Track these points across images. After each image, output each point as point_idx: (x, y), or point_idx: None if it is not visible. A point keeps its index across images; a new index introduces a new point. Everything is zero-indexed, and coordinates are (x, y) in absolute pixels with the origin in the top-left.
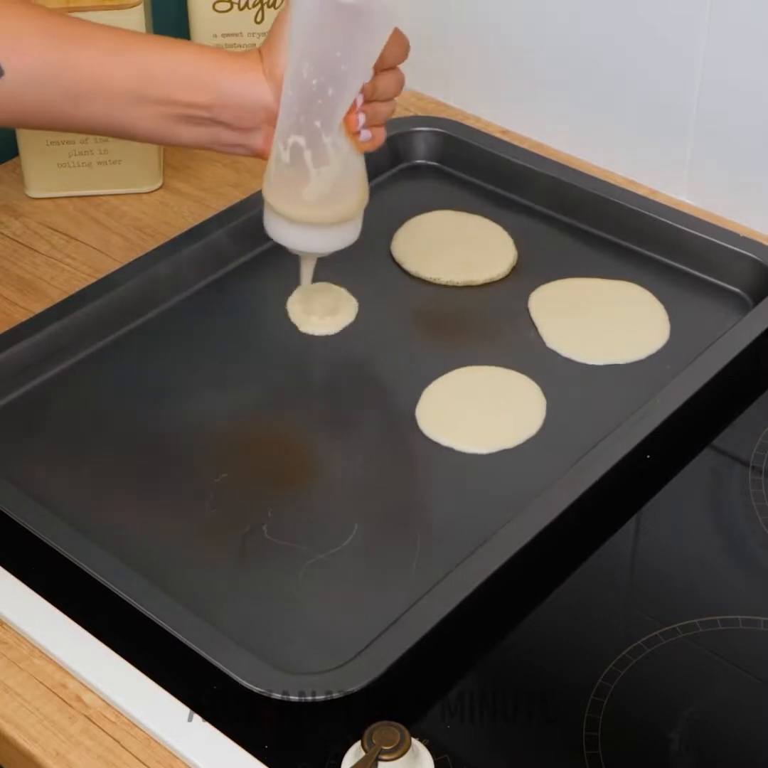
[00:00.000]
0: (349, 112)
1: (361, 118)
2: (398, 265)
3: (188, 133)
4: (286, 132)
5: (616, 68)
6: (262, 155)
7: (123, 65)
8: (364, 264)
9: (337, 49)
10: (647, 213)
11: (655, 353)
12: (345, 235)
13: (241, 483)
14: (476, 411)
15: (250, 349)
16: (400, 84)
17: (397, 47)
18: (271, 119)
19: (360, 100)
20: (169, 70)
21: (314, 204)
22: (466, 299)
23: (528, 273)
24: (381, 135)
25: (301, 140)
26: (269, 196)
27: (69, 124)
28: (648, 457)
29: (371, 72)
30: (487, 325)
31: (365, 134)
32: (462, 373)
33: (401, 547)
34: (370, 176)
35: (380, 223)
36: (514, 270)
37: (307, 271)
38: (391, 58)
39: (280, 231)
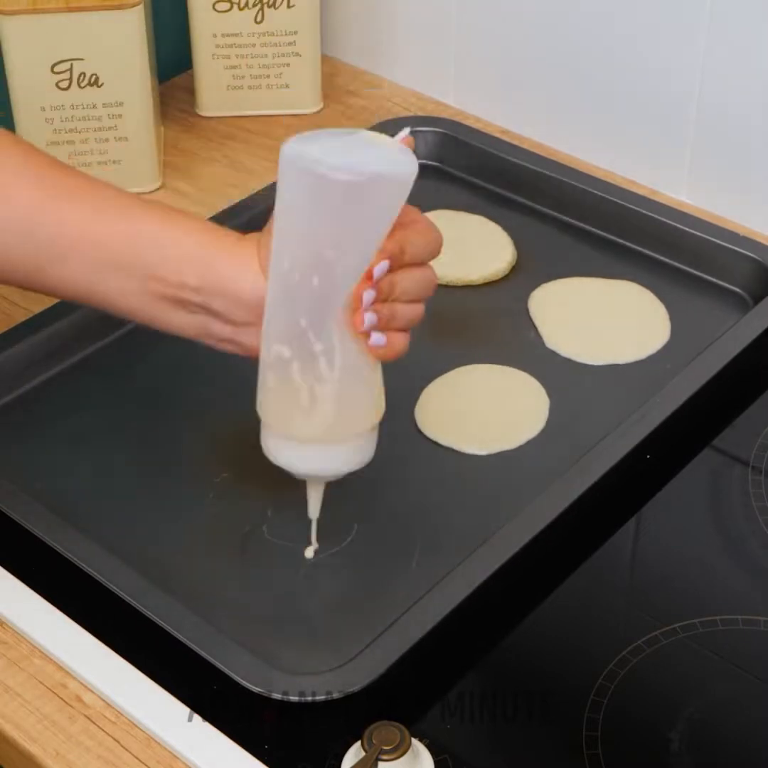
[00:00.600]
0: (354, 310)
1: (369, 318)
2: None
3: (176, 318)
4: (270, 338)
5: (616, 68)
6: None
7: (107, 227)
8: None
9: (322, 231)
10: (647, 213)
11: (655, 353)
12: (353, 455)
13: (241, 483)
14: (477, 411)
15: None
16: (428, 284)
17: (423, 239)
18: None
19: (369, 297)
20: (158, 242)
21: (311, 419)
22: (465, 299)
23: (528, 273)
24: (400, 341)
25: (285, 349)
26: (260, 408)
27: (44, 284)
28: (648, 457)
29: (372, 259)
30: (487, 325)
31: (377, 338)
32: (461, 372)
33: (401, 547)
34: None
35: None
36: (514, 270)
37: (315, 497)
38: (416, 253)
39: (276, 450)
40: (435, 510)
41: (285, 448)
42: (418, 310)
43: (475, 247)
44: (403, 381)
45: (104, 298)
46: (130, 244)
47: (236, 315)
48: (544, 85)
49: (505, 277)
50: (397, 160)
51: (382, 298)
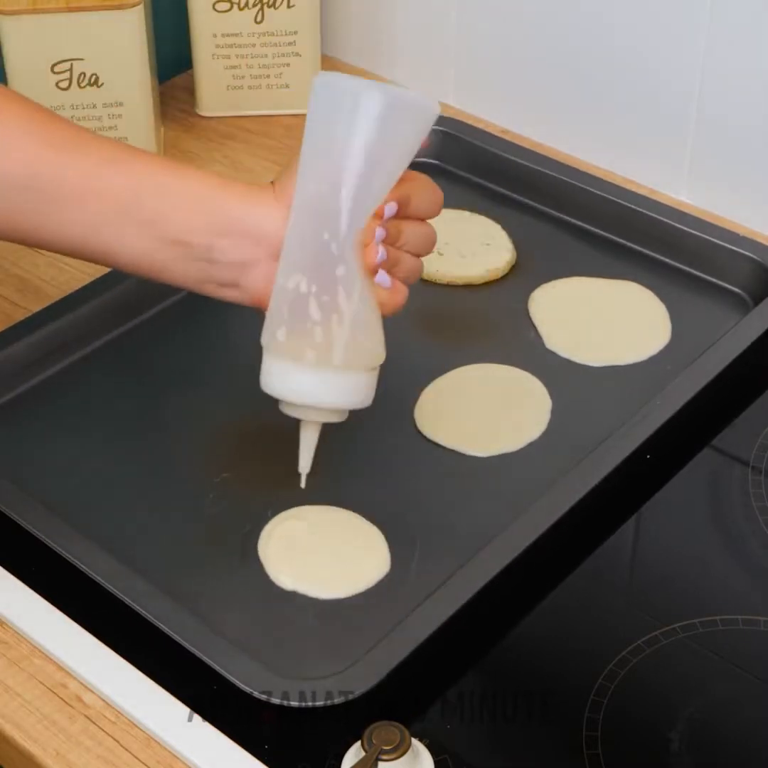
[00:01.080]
0: (366, 244)
1: (381, 252)
2: None
3: (177, 265)
4: (290, 268)
5: (616, 68)
6: (260, 302)
7: (114, 176)
8: None
9: (354, 145)
10: (647, 213)
11: (656, 354)
12: (354, 391)
13: (241, 483)
14: (478, 412)
15: (250, 349)
16: (429, 240)
17: (427, 193)
18: (274, 254)
19: (380, 233)
20: (167, 189)
21: (324, 347)
22: (465, 299)
23: (528, 273)
24: (402, 291)
25: (304, 280)
26: (267, 337)
27: (40, 236)
28: (648, 457)
29: (394, 183)
30: (487, 326)
31: (383, 278)
32: (462, 372)
33: (401, 550)
34: None
35: None
36: (514, 270)
37: (307, 445)
38: (420, 205)
39: (280, 377)
40: (435, 512)
41: (290, 374)
42: (418, 264)
43: (474, 247)
44: (403, 381)
45: (103, 249)
46: (136, 193)
47: (244, 252)
48: (544, 85)
49: (505, 277)
50: (421, 97)
51: (389, 242)
